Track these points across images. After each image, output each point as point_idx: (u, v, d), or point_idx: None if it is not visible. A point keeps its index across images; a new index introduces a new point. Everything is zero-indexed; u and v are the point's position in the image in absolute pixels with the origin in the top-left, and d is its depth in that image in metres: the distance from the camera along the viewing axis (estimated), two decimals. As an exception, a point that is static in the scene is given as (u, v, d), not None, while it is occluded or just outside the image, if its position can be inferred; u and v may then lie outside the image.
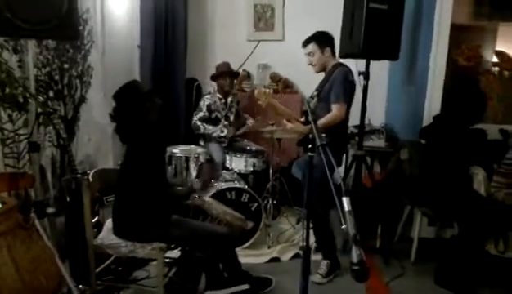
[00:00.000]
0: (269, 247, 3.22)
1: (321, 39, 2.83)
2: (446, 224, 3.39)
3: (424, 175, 3.03)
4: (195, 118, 3.83)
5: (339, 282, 2.77)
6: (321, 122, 2.62)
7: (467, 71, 3.93)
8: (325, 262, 2.85)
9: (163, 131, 2.28)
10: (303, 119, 2.94)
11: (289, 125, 2.83)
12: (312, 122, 1.54)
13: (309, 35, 2.87)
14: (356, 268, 1.14)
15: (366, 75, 3.00)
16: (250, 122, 3.99)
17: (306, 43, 2.87)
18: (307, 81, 3.01)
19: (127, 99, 2.20)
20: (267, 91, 2.83)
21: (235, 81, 4.03)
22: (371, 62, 3.02)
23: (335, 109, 2.70)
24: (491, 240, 2.79)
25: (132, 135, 2.22)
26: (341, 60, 2.93)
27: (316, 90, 2.88)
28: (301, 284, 1.56)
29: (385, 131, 3.79)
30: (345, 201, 1.24)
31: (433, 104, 3.41)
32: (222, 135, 3.78)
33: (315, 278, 2.77)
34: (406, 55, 3.54)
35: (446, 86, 3.45)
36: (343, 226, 1.22)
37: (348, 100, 2.75)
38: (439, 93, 3.41)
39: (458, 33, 3.72)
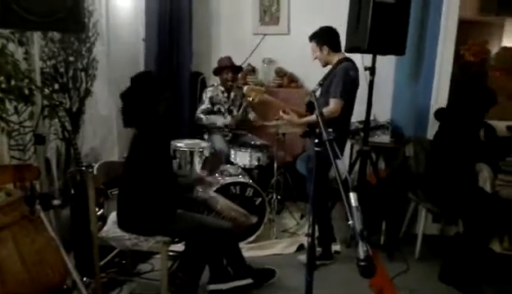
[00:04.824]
0: (273, 242, 3.21)
1: (319, 38, 2.84)
2: (450, 221, 3.37)
3: (429, 172, 3.01)
4: (198, 112, 3.84)
5: (344, 277, 2.77)
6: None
7: (474, 66, 3.90)
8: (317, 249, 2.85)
9: (169, 126, 2.27)
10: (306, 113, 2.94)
11: (285, 116, 2.84)
12: (319, 117, 1.53)
13: (313, 31, 2.86)
14: (362, 264, 1.14)
15: (372, 70, 2.98)
16: (252, 114, 4.00)
17: (309, 40, 2.89)
18: (312, 75, 3.01)
19: (144, 82, 2.21)
20: (257, 87, 2.87)
21: (239, 75, 4.02)
22: (378, 57, 3.00)
23: (332, 104, 2.71)
24: (496, 238, 2.77)
25: (135, 120, 2.21)
26: (347, 55, 2.92)
27: (319, 84, 2.88)
28: (306, 279, 1.55)
29: (391, 127, 3.77)
30: (352, 196, 1.23)
31: (439, 100, 3.38)
32: (226, 122, 3.78)
33: (302, 257, 2.83)
34: (413, 51, 3.51)
35: (453, 81, 3.42)
36: (349, 222, 1.21)
37: (347, 96, 2.73)
38: (446, 89, 3.37)
39: (465, 28, 3.69)
